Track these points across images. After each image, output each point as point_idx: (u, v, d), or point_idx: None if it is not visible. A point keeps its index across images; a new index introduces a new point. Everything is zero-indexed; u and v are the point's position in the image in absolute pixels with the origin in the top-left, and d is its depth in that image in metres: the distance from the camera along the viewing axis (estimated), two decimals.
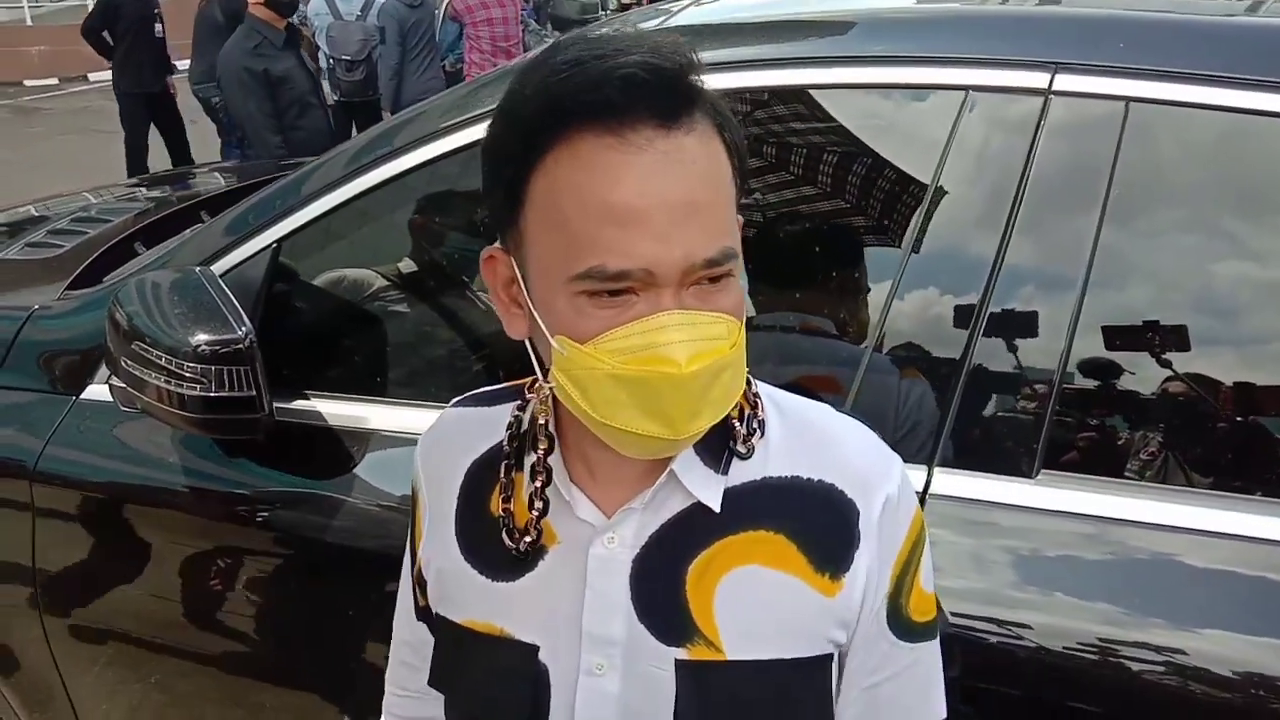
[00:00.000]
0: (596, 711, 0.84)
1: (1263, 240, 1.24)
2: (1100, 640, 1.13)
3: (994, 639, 1.16)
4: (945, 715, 0.91)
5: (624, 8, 11.23)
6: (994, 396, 1.25)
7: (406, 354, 1.75)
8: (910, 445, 1.24)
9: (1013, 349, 1.24)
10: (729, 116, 0.78)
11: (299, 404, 1.60)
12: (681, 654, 0.82)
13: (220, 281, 1.55)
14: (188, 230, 2.19)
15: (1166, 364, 1.21)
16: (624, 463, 0.82)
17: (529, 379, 0.92)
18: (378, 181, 1.57)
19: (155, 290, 1.54)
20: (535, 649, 0.85)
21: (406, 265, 1.77)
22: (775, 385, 0.91)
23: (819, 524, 0.83)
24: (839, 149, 1.42)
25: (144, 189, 3.02)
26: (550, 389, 0.81)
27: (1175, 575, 1.15)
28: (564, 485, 0.85)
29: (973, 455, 1.24)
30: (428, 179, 1.61)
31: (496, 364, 1.62)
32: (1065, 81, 1.25)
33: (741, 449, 0.84)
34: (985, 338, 1.24)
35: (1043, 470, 1.20)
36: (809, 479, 0.84)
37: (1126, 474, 1.21)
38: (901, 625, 0.86)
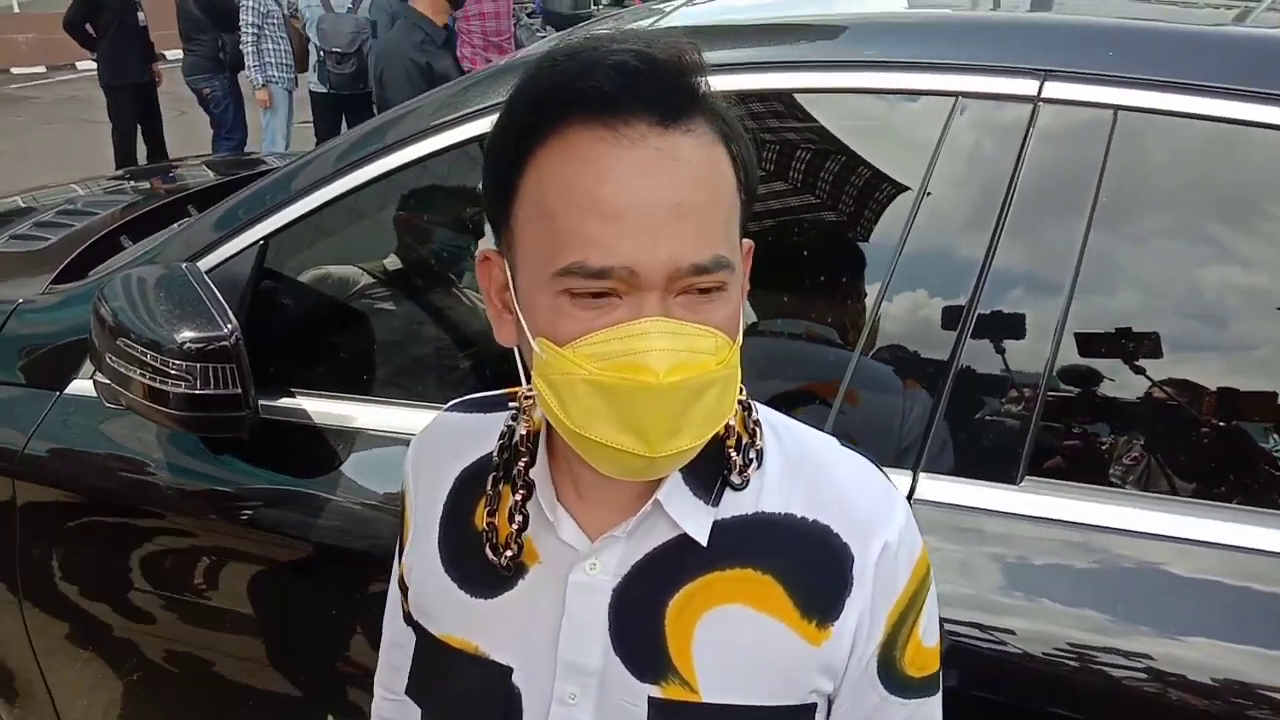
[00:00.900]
0: None
1: (1249, 249, 1.24)
2: (1083, 647, 1.13)
3: (979, 645, 1.16)
4: None
5: (618, 3, 11.20)
6: (980, 401, 1.25)
7: (392, 352, 1.75)
8: (896, 450, 1.24)
9: (999, 354, 1.24)
10: (738, 129, 0.75)
11: (285, 402, 1.60)
12: (655, 691, 0.79)
13: (206, 278, 1.54)
14: (175, 224, 2.18)
15: (1153, 371, 1.22)
16: (612, 484, 0.78)
17: (527, 386, 0.90)
18: (368, 179, 1.57)
19: (141, 286, 1.53)
20: (509, 670, 0.83)
21: (392, 262, 1.76)
22: (758, 389, 0.88)
23: (810, 567, 0.79)
24: (829, 153, 1.43)
25: (131, 182, 3.00)
26: (531, 396, 0.78)
27: (1158, 583, 1.15)
28: (549, 505, 0.82)
29: (957, 461, 1.24)
30: (418, 176, 1.61)
31: (483, 363, 1.62)
32: (1054, 89, 1.26)
33: (736, 480, 0.80)
34: (972, 341, 1.24)
35: (1027, 476, 1.21)
36: (803, 518, 0.80)
37: (1111, 481, 1.21)
38: (894, 680, 0.82)
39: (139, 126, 7.19)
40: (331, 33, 6.17)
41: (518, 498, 0.82)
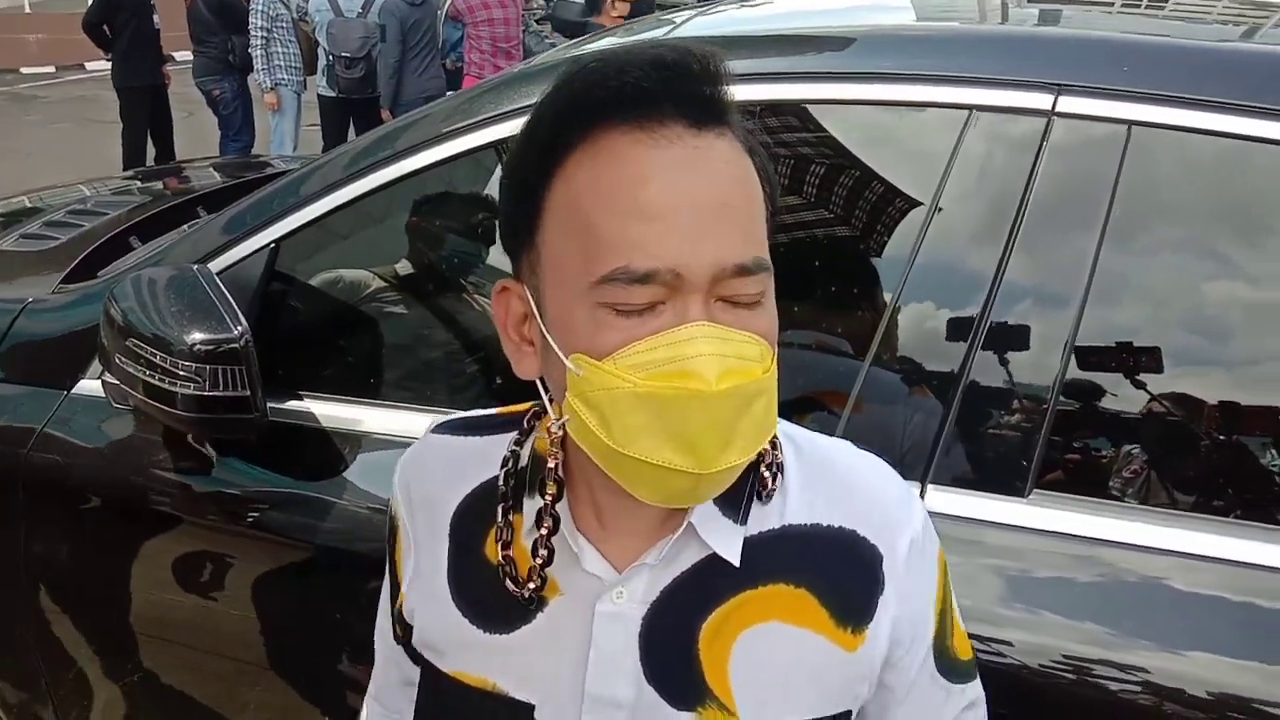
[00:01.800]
0: None
1: (1260, 265, 1.24)
2: (1085, 660, 1.13)
3: (984, 657, 1.16)
4: None
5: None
6: (989, 414, 1.25)
7: (402, 356, 1.75)
8: (905, 461, 1.24)
9: (1009, 367, 1.24)
10: (758, 146, 0.74)
11: (293, 404, 1.60)
12: (691, 718, 0.76)
13: (217, 280, 1.55)
14: (184, 225, 2.18)
15: (1162, 386, 1.21)
16: (637, 512, 0.75)
17: (525, 407, 0.87)
18: (378, 184, 1.57)
19: (151, 286, 1.53)
20: (531, 708, 0.79)
21: (404, 267, 1.76)
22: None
23: (841, 573, 0.78)
24: (844, 165, 1.43)
25: (140, 182, 3.01)
26: (561, 426, 0.74)
27: (1162, 598, 1.15)
28: (571, 535, 0.78)
29: (966, 473, 1.24)
30: (429, 183, 1.61)
31: (492, 368, 1.62)
32: (1068, 103, 1.26)
33: (763, 495, 0.78)
34: (983, 353, 1.24)
35: (1035, 490, 1.21)
36: (829, 525, 0.79)
37: (1118, 495, 1.21)
38: (950, 666, 0.82)
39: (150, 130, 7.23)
40: (341, 38, 6.20)
41: (543, 531, 0.78)
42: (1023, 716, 1.16)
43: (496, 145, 1.49)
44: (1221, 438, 1.23)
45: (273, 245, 1.63)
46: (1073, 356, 1.21)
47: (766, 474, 0.78)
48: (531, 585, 0.78)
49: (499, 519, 0.81)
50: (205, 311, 1.48)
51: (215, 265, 1.63)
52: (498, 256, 1.60)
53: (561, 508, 0.79)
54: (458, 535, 0.84)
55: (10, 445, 1.72)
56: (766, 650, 0.77)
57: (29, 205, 2.69)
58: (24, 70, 13.86)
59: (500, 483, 0.83)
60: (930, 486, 1.23)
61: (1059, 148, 1.25)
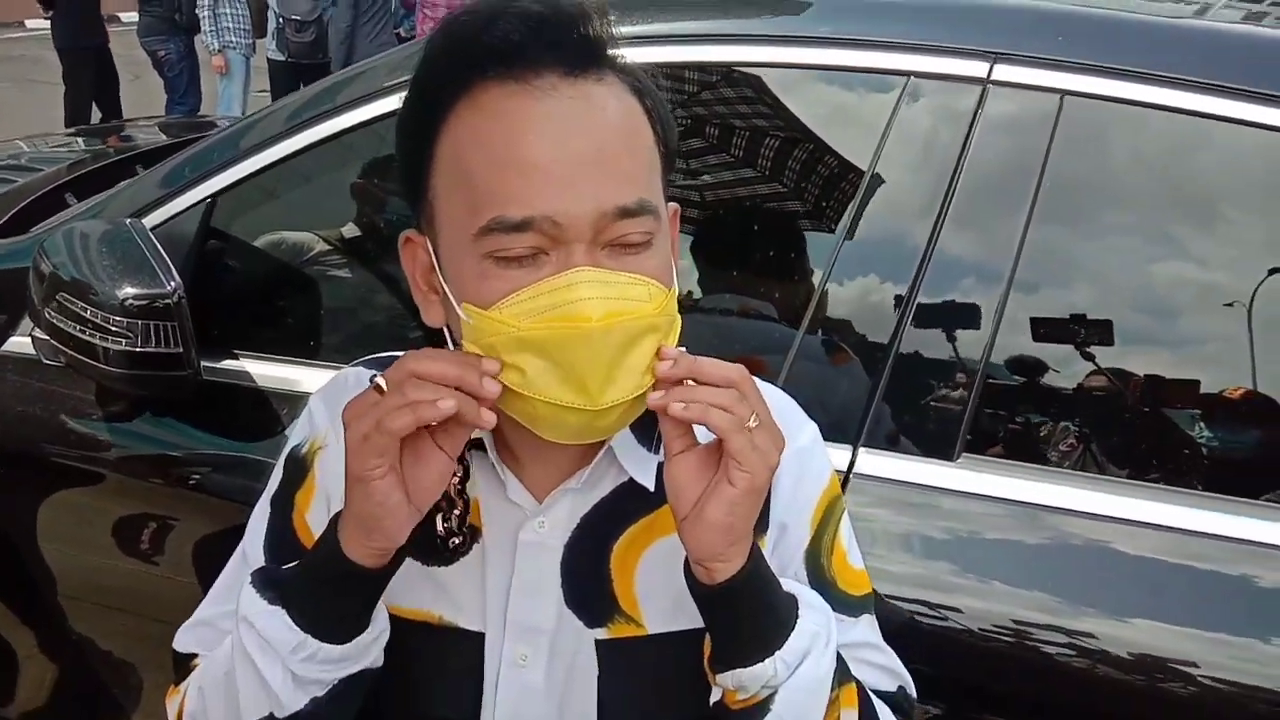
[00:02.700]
0: (519, 707, 0.81)
1: (1188, 239, 1.27)
2: (1014, 623, 1.16)
3: (915, 618, 1.18)
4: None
5: None
6: (920, 380, 1.27)
7: (342, 318, 1.73)
8: (838, 425, 1.25)
9: (940, 334, 1.26)
10: (649, 85, 0.75)
11: (228, 364, 1.58)
12: (602, 634, 0.80)
13: (151, 235, 1.52)
14: (122, 183, 2.13)
15: (1089, 357, 1.24)
16: (549, 450, 0.78)
17: None
18: (318, 138, 1.55)
19: (84, 241, 1.51)
20: (481, 636, 0.82)
21: (348, 230, 1.74)
22: None
23: None
24: (778, 129, 1.43)
25: (79, 140, 2.94)
26: None
27: (1084, 559, 1.18)
28: (499, 466, 0.81)
29: (896, 436, 1.26)
30: (370, 138, 1.59)
31: (432, 331, 1.61)
32: (1004, 71, 1.27)
33: None
34: (914, 321, 1.25)
35: (963, 454, 1.23)
36: None
37: (1044, 460, 1.24)
38: (826, 586, 0.84)
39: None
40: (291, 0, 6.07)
41: (455, 478, 0.80)
42: (950, 675, 1.18)
43: None
44: (1145, 408, 1.26)
45: (210, 200, 1.60)
46: (1002, 325, 1.23)
47: None
48: (456, 513, 0.80)
49: None
50: (138, 266, 1.45)
51: (151, 219, 1.60)
52: None
53: (488, 440, 0.81)
54: None
55: None
56: (670, 562, 0.79)
57: None
58: None
59: None
60: (862, 449, 1.25)
61: (994, 116, 1.27)
